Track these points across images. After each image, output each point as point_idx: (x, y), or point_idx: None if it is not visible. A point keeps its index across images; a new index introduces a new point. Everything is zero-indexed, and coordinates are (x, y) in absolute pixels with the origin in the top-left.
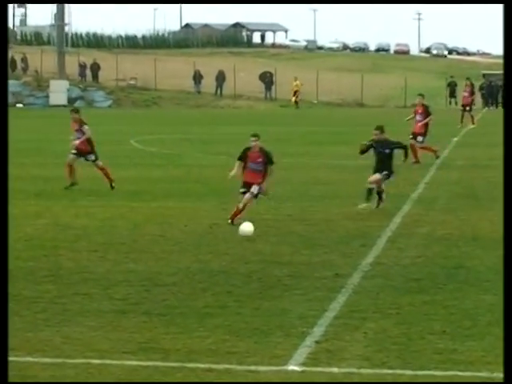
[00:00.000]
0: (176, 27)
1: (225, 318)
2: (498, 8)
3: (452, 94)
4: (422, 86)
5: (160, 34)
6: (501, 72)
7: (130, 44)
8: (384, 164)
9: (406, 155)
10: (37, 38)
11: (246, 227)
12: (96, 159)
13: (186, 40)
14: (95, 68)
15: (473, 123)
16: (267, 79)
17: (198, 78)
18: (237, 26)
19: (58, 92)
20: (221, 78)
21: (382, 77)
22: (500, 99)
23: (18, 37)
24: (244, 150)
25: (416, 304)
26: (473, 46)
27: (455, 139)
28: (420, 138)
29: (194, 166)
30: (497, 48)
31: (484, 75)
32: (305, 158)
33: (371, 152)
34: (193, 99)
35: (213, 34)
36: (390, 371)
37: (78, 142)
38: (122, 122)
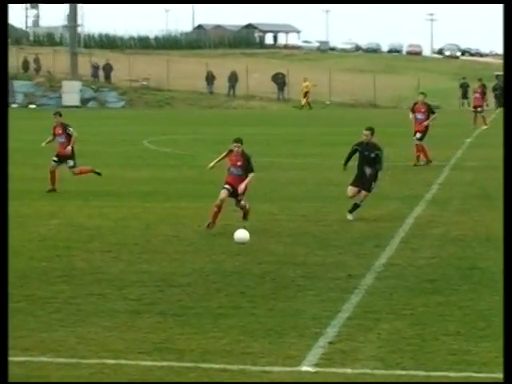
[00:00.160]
0: (188, 28)
1: (239, 319)
2: None
3: (464, 96)
4: (434, 87)
5: (172, 34)
6: None
7: (143, 45)
8: (368, 169)
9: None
10: (49, 39)
11: (241, 234)
12: (74, 166)
13: (199, 41)
14: (108, 69)
15: (485, 124)
16: (280, 80)
17: (210, 78)
18: (249, 26)
19: (71, 93)
20: (233, 78)
21: (395, 78)
22: None
23: (31, 38)
24: (228, 151)
25: (430, 305)
26: (486, 47)
27: (468, 140)
28: (418, 135)
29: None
30: None
31: (497, 76)
32: (318, 158)
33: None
34: (205, 100)
35: (225, 35)
36: (403, 372)
37: (69, 147)
38: (134, 122)
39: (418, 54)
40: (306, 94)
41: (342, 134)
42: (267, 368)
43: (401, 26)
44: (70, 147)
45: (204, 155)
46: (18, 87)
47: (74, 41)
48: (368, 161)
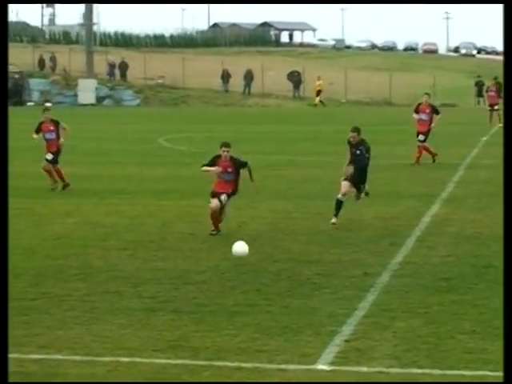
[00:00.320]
0: (204, 26)
1: (254, 317)
2: None
3: (479, 94)
4: (450, 86)
5: (188, 33)
6: None
7: (158, 43)
8: (358, 169)
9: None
10: (65, 37)
11: (240, 248)
12: (53, 162)
13: (214, 39)
14: (123, 67)
15: (501, 122)
16: (295, 78)
17: (226, 76)
18: (265, 25)
19: (87, 91)
20: (249, 76)
21: (411, 76)
22: None
23: (47, 36)
24: (214, 157)
25: (445, 303)
26: (502, 45)
27: (484, 138)
28: (422, 137)
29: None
30: None
31: None
32: (333, 156)
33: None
34: (221, 98)
35: (241, 33)
36: (419, 371)
37: (61, 140)
38: (150, 120)
39: (434, 52)
40: (318, 93)
41: None
42: (282, 366)
43: (417, 24)
44: (62, 139)
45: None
46: (34, 85)
47: (89, 39)
48: (356, 157)
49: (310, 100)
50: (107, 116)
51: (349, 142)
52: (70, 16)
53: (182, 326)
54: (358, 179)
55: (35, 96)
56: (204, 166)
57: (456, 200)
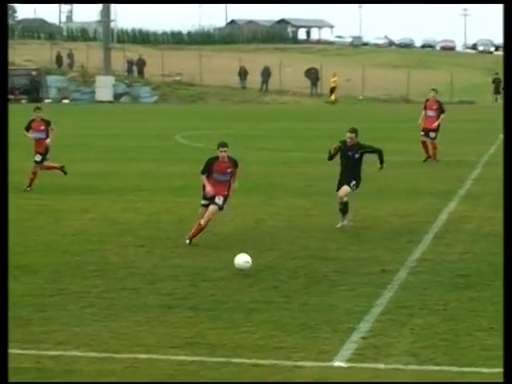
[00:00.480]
0: (221, 23)
1: (271, 314)
2: None
3: (496, 91)
4: (468, 83)
5: (205, 30)
6: None
7: (176, 40)
8: (353, 171)
9: (381, 161)
10: (83, 34)
11: (242, 259)
12: (41, 162)
13: (232, 36)
14: (141, 64)
15: None
16: (313, 75)
17: (243, 73)
18: (282, 22)
19: (104, 88)
20: (266, 73)
21: (429, 73)
22: None
23: (65, 33)
24: (208, 161)
25: (463, 300)
26: None
27: (502, 136)
28: (433, 135)
29: (240, 162)
30: None
31: None
32: None
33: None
34: (238, 95)
35: (258, 30)
36: (436, 368)
37: (48, 140)
38: (167, 117)
39: (452, 49)
40: (333, 90)
41: (375, 129)
42: (300, 363)
43: (434, 21)
44: (49, 140)
45: (236, 150)
46: (52, 82)
47: (107, 36)
48: (353, 163)
49: (327, 97)
50: (125, 113)
51: (343, 144)
52: (87, 13)
53: (200, 322)
54: (350, 176)
55: (53, 93)
56: (202, 173)
57: (474, 197)
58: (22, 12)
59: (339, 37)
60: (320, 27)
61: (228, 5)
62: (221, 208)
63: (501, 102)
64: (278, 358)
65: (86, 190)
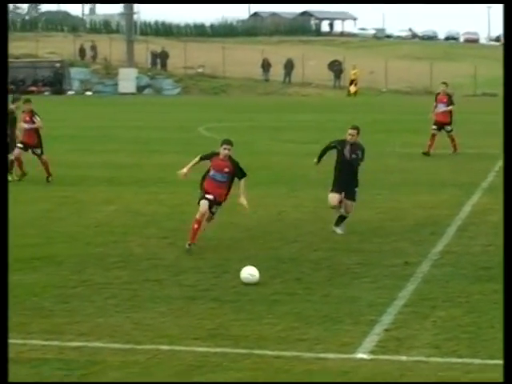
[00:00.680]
0: (244, 16)
1: (294, 305)
2: None
3: None
4: (492, 75)
5: (228, 22)
6: None
7: (199, 32)
8: (349, 173)
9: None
10: (106, 27)
11: (248, 273)
12: (41, 153)
13: (255, 28)
14: (164, 56)
15: None
16: (336, 67)
17: (266, 66)
18: (305, 14)
19: (127, 80)
20: (289, 66)
21: (452, 65)
22: None
23: (88, 25)
24: (212, 152)
25: (486, 292)
26: None
27: None
28: (448, 128)
29: (263, 154)
30: None
31: None
32: (374, 145)
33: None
34: (261, 87)
35: (281, 22)
36: (459, 360)
37: (24, 132)
38: (190, 109)
39: (475, 41)
40: (352, 82)
41: (398, 121)
42: (322, 355)
43: (457, 13)
44: (32, 138)
45: (259, 142)
46: (75, 74)
47: (130, 28)
48: (349, 162)
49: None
50: (147, 105)
51: (339, 144)
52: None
53: (222, 314)
54: (351, 184)
55: (76, 85)
56: (199, 157)
57: (497, 189)
58: (46, 4)
59: (362, 29)
60: (343, 19)
61: None
62: (212, 217)
63: None
64: (301, 349)
65: (109, 181)
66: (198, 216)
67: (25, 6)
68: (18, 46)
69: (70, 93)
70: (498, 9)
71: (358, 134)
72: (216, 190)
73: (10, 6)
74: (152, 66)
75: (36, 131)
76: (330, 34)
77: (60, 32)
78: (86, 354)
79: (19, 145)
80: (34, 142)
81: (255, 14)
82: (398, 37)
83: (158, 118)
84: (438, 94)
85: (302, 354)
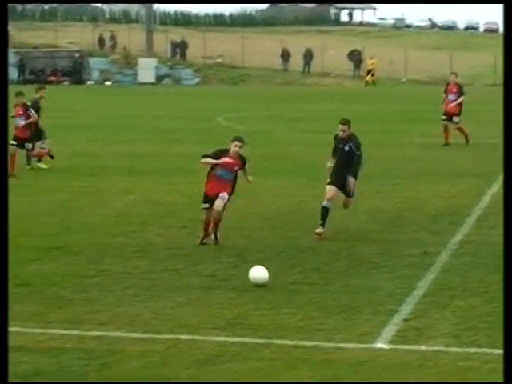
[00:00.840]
0: (264, 5)
1: (313, 295)
2: None
3: None
4: None
5: (247, 12)
6: None
7: (218, 22)
8: (345, 165)
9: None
10: (125, 16)
11: (257, 273)
12: (32, 149)
13: (274, 18)
14: (183, 46)
15: None
16: (355, 57)
17: (285, 55)
18: (324, 3)
19: (147, 69)
20: (308, 55)
21: (472, 55)
22: None
23: (107, 15)
24: (220, 150)
25: None
26: None
27: None
28: (456, 119)
29: (282, 143)
30: None
31: None
32: (393, 135)
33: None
34: (280, 77)
35: (300, 12)
36: (478, 350)
37: (20, 125)
38: (209, 99)
39: (495, 31)
40: (369, 72)
41: (418, 111)
42: (341, 344)
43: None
44: (24, 132)
45: (278, 132)
46: (94, 64)
47: (149, 18)
48: (345, 156)
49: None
50: (166, 95)
51: (335, 137)
52: None
53: (241, 304)
54: (344, 175)
55: (95, 75)
56: (206, 157)
57: None
58: None
59: (382, 19)
60: (362, 9)
61: None
62: (223, 204)
63: None
64: (320, 339)
65: (128, 171)
66: (203, 222)
67: None
68: (36, 36)
69: (89, 83)
70: None
71: (349, 127)
72: (220, 188)
73: None
74: (171, 55)
75: (29, 125)
76: (349, 23)
77: (79, 22)
78: (106, 344)
79: (12, 142)
80: (27, 137)
81: (274, 3)
82: (418, 26)
83: (177, 107)
84: (449, 84)
85: (320, 344)
